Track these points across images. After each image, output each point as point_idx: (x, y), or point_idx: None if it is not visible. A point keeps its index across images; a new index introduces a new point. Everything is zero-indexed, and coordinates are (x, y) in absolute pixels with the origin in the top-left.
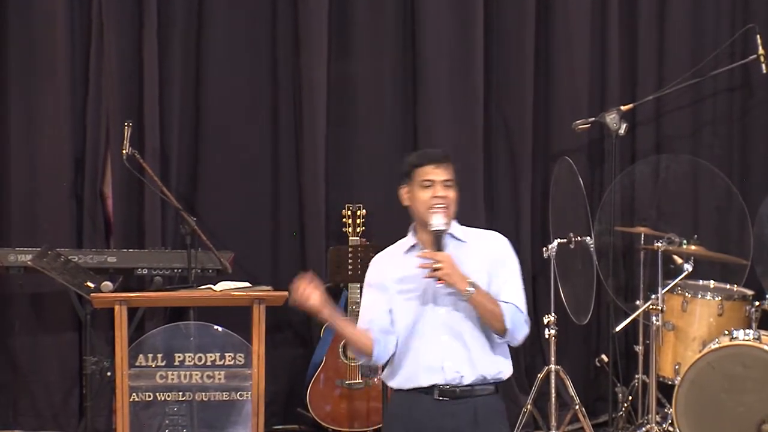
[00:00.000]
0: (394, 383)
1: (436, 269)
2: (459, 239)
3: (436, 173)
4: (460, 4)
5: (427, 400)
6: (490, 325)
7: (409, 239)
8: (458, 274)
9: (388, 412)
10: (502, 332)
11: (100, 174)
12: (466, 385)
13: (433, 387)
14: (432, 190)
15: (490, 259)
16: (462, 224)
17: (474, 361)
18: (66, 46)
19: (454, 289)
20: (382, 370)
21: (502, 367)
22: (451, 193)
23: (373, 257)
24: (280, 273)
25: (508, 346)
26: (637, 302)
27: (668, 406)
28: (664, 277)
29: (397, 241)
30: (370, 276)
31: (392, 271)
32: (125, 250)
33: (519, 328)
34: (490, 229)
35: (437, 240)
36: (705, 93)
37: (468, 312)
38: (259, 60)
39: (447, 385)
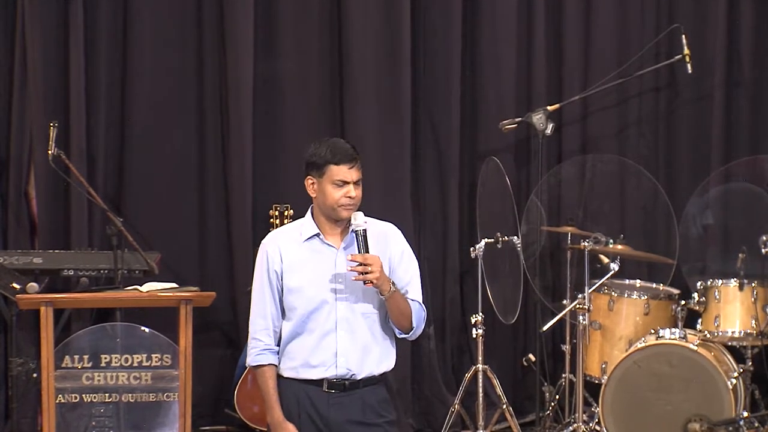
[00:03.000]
0: (283, 372)
1: (366, 273)
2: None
3: (350, 174)
4: (387, 4)
5: (317, 391)
6: (398, 323)
7: (310, 226)
8: (384, 276)
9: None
10: (408, 330)
11: (25, 174)
12: (356, 380)
13: (322, 380)
14: (344, 190)
15: (390, 250)
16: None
17: (366, 358)
18: None
19: (378, 289)
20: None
21: (389, 362)
22: (360, 192)
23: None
24: (206, 274)
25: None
26: (564, 302)
27: (595, 405)
28: (590, 276)
29: None
30: (266, 259)
31: (291, 257)
32: (51, 251)
33: (420, 326)
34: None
35: (364, 240)
36: (631, 93)
37: (365, 308)
38: (186, 60)
39: (336, 378)
